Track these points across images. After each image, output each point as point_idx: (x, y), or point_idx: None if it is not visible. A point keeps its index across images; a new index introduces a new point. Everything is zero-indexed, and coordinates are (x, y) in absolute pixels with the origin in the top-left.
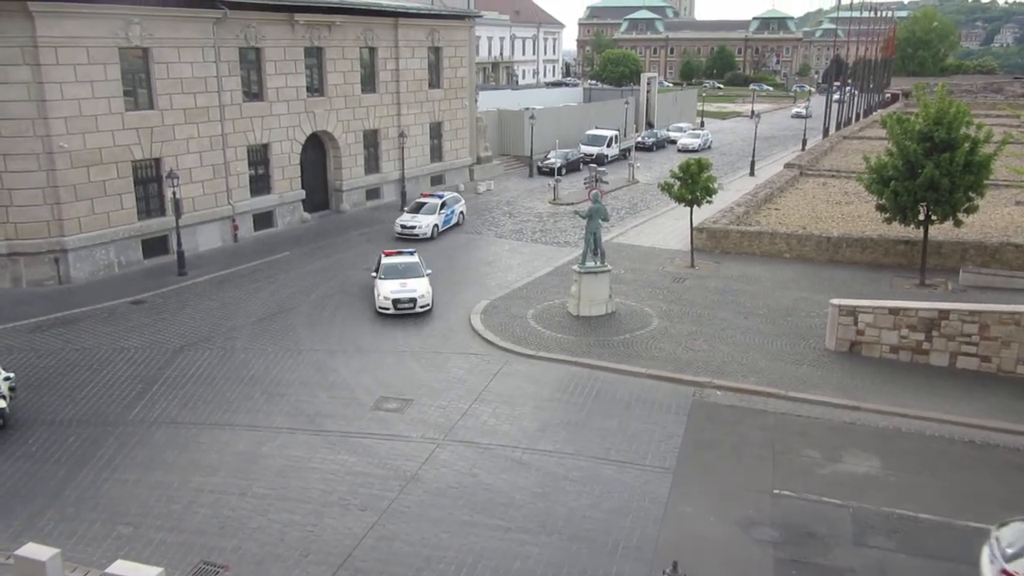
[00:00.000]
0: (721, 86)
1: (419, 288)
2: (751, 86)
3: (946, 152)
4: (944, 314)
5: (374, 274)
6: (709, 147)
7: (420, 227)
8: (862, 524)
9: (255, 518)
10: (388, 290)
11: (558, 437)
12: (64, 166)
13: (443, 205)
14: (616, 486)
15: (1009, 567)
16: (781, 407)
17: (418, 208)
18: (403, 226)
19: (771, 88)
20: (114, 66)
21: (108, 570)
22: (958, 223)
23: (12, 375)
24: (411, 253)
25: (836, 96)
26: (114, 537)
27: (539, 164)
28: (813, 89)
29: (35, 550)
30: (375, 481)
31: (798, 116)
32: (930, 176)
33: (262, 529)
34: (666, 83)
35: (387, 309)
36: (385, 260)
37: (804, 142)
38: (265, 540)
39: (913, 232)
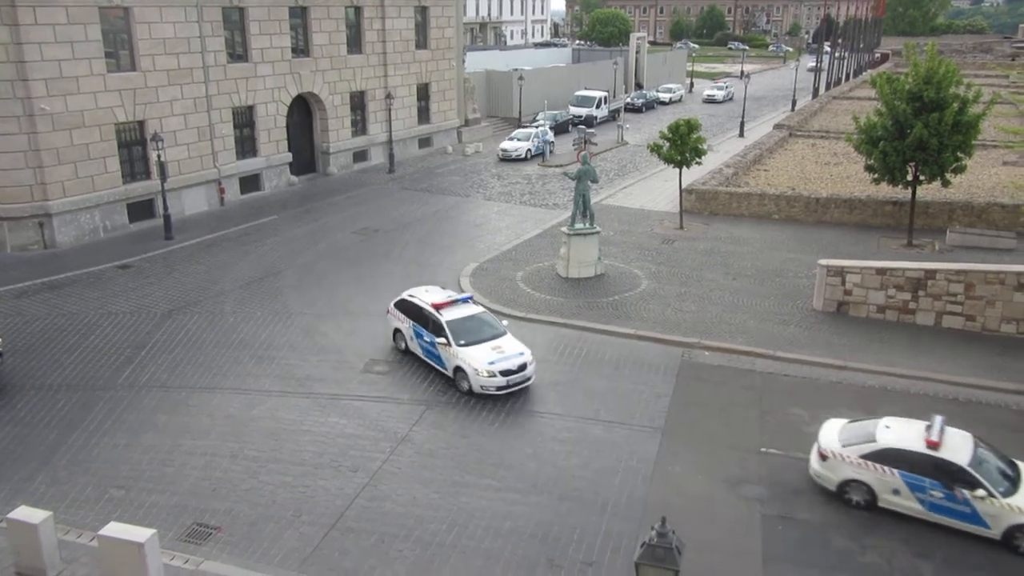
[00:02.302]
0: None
1: None
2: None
3: (935, 112)
4: (930, 274)
5: None
6: (543, 154)
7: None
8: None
9: (247, 480)
10: None
11: (547, 398)
12: (45, 129)
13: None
14: (605, 446)
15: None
16: (769, 367)
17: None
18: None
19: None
20: (94, 26)
21: (101, 532)
22: (946, 183)
23: None
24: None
25: (812, 64)
26: (106, 500)
27: (528, 126)
28: (802, 49)
29: (27, 513)
30: (366, 443)
31: (711, 101)
32: (919, 136)
33: (254, 491)
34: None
35: None
36: None
37: (794, 103)
38: (257, 501)
39: (901, 193)
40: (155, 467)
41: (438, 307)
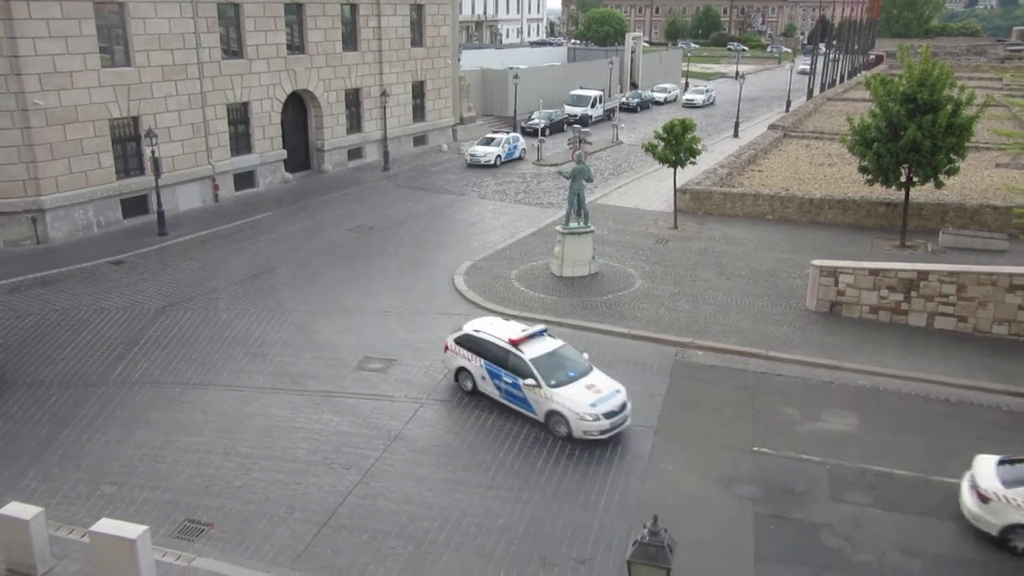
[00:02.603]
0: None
1: None
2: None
3: (929, 114)
4: (923, 275)
5: None
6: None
7: None
8: (839, 480)
9: (240, 477)
10: None
11: None
12: (39, 124)
13: None
14: (598, 444)
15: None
16: (762, 367)
17: None
18: None
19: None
20: (89, 21)
21: (93, 528)
22: (939, 185)
23: None
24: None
25: (803, 66)
26: (98, 496)
27: (523, 124)
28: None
29: (18, 509)
30: (359, 440)
31: (690, 105)
32: (912, 138)
33: (247, 488)
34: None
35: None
36: None
37: (788, 103)
38: (250, 498)
39: (894, 194)
40: (147, 463)
41: (516, 343)
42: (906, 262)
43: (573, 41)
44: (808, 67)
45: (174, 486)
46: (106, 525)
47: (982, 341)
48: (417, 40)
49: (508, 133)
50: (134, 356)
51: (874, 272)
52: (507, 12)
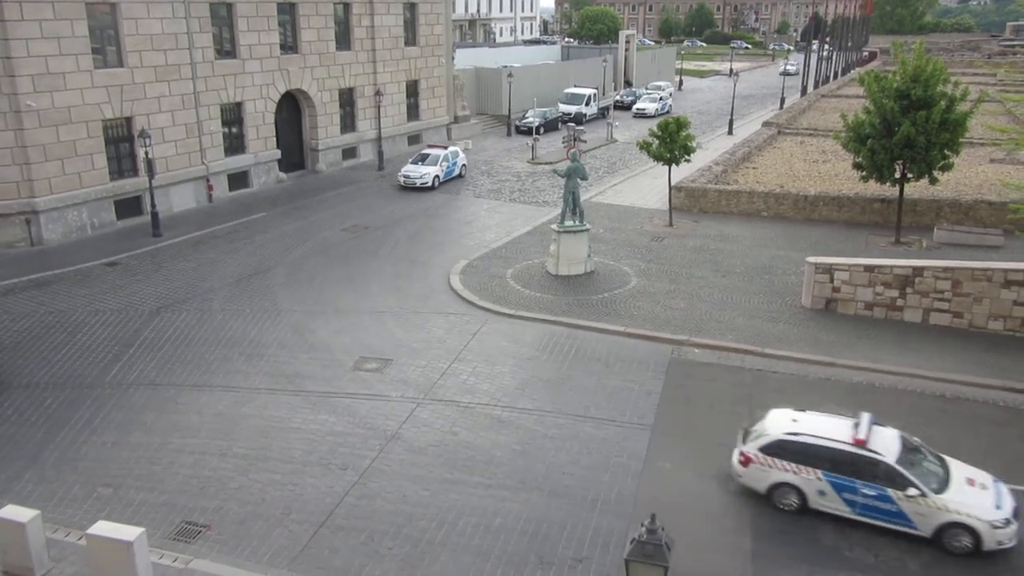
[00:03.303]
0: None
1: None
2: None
3: (923, 110)
4: (918, 271)
5: None
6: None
7: None
8: None
9: (236, 478)
10: None
11: (538, 395)
12: (32, 125)
13: None
14: (595, 443)
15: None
16: (758, 364)
17: None
18: None
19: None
20: (81, 22)
21: (90, 531)
22: (933, 181)
23: None
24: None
25: (788, 66)
26: (95, 498)
27: (517, 123)
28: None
29: (15, 512)
30: (356, 440)
31: (642, 115)
32: (907, 134)
33: (243, 489)
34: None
35: None
36: None
37: (782, 100)
38: (246, 500)
39: (889, 190)
40: (144, 465)
41: (862, 443)
42: (901, 258)
43: (567, 39)
44: (793, 68)
45: (170, 488)
46: (103, 527)
47: (977, 337)
48: (411, 39)
49: (446, 149)
50: (129, 358)
51: (869, 268)
52: (500, 11)
